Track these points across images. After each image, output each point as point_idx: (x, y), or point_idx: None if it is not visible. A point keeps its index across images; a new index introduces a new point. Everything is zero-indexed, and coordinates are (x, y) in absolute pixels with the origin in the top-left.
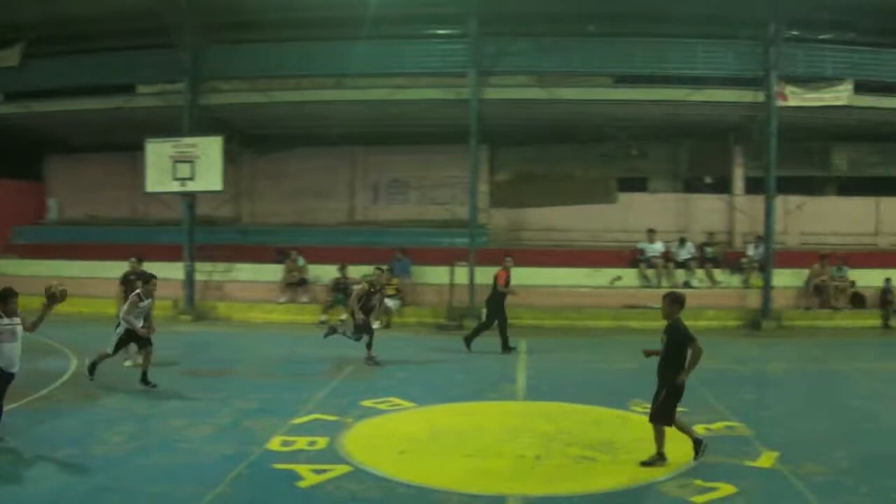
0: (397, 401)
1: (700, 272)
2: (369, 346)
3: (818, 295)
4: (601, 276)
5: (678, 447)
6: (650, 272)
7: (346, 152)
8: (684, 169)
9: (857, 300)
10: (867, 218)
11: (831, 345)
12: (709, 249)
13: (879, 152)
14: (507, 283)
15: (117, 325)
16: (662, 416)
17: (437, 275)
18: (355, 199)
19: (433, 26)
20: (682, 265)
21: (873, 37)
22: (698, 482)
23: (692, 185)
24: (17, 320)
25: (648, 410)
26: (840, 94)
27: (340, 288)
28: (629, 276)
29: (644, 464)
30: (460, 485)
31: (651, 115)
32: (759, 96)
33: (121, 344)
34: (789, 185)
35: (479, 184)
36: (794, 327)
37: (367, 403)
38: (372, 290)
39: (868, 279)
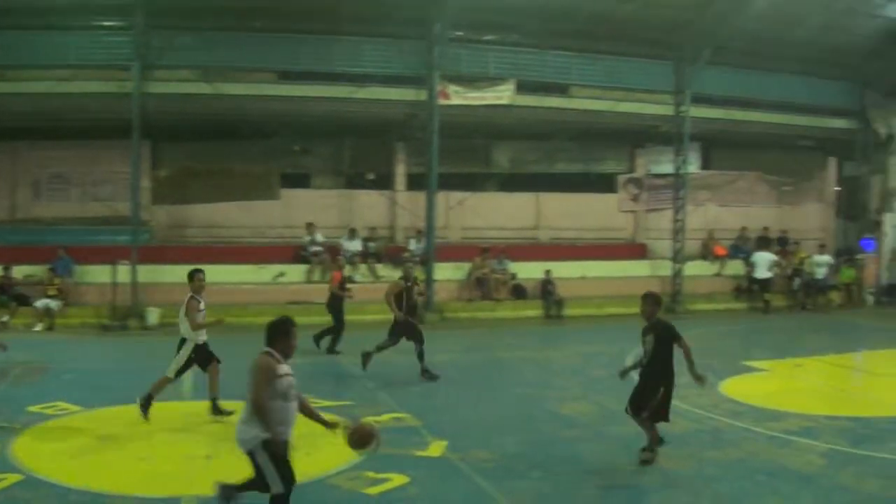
0: (65, 405)
1: (363, 267)
2: (422, 356)
3: (480, 287)
4: (265, 273)
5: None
6: (314, 267)
7: (7, 147)
8: (347, 165)
9: (519, 292)
10: (527, 213)
11: (494, 335)
12: (371, 245)
13: (539, 150)
14: (343, 284)
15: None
16: (655, 410)
17: (99, 274)
18: (16, 196)
19: (99, 17)
20: (348, 260)
21: (535, 38)
22: (370, 474)
23: (355, 182)
24: None
25: (632, 406)
26: (502, 94)
27: (5, 289)
28: (293, 271)
29: (644, 462)
30: (134, 488)
31: (315, 111)
32: (423, 94)
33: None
34: (451, 182)
35: (141, 180)
36: (457, 319)
37: (34, 409)
38: (408, 283)
39: (529, 271)
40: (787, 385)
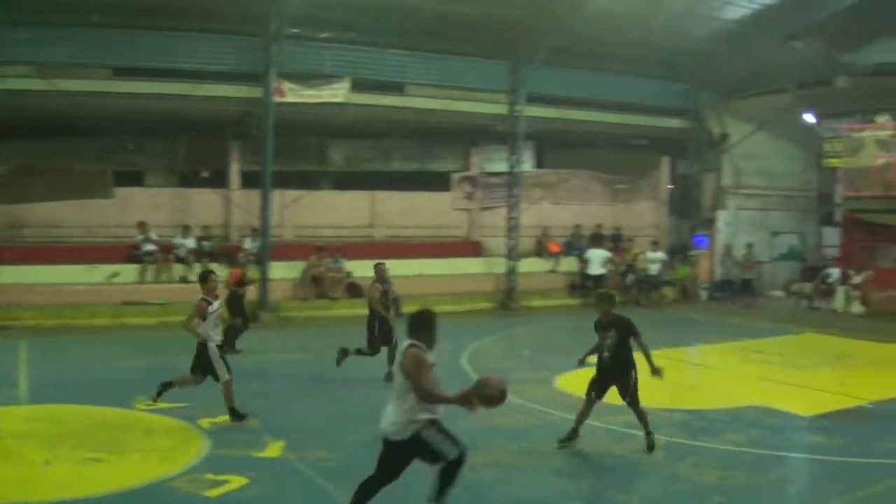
0: None
1: (197, 266)
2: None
3: (315, 286)
4: (99, 273)
5: (188, 443)
6: (148, 267)
7: None
8: (181, 163)
9: (354, 290)
10: (363, 211)
11: (330, 334)
12: (206, 244)
13: (374, 148)
14: (241, 281)
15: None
16: (636, 398)
17: None
18: None
19: None
20: (182, 260)
21: (372, 37)
22: (209, 476)
23: (189, 180)
24: None
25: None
26: (337, 92)
27: None
28: (127, 272)
29: (651, 447)
30: None
31: (150, 108)
32: (258, 92)
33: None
34: (286, 180)
35: None
36: (293, 318)
37: None
38: (384, 286)
39: (364, 270)
40: None
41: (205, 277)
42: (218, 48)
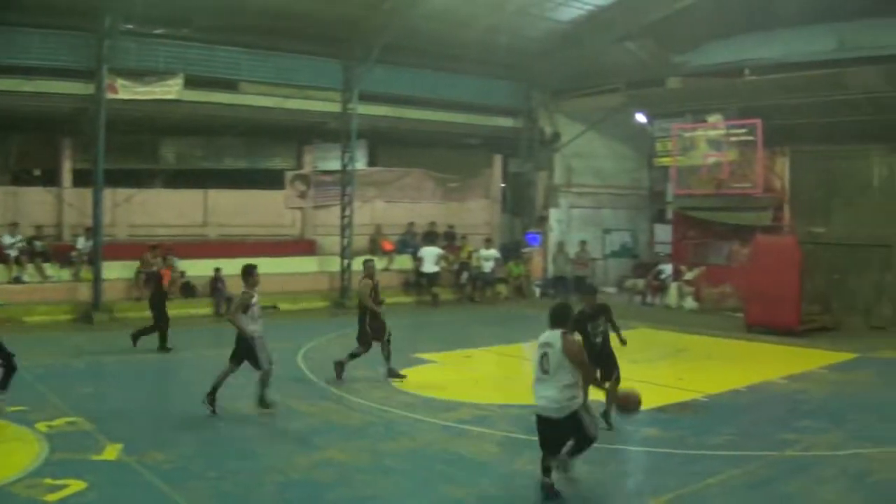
0: None
1: (30, 266)
2: (389, 357)
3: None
4: None
5: (25, 447)
6: None
7: None
8: (12, 161)
9: (188, 290)
10: (196, 210)
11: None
12: (38, 243)
13: (207, 146)
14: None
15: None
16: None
17: None
18: None
19: None
20: (16, 260)
21: (206, 34)
22: (48, 481)
23: (20, 178)
24: None
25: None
26: (170, 89)
27: None
28: None
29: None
30: None
31: None
32: (91, 88)
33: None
34: (119, 178)
35: None
36: (128, 319)
37: None
38: (374, 281)
39: (198, 269)
40: (459, 376)
41: (249, 271)
42: (50, 43)
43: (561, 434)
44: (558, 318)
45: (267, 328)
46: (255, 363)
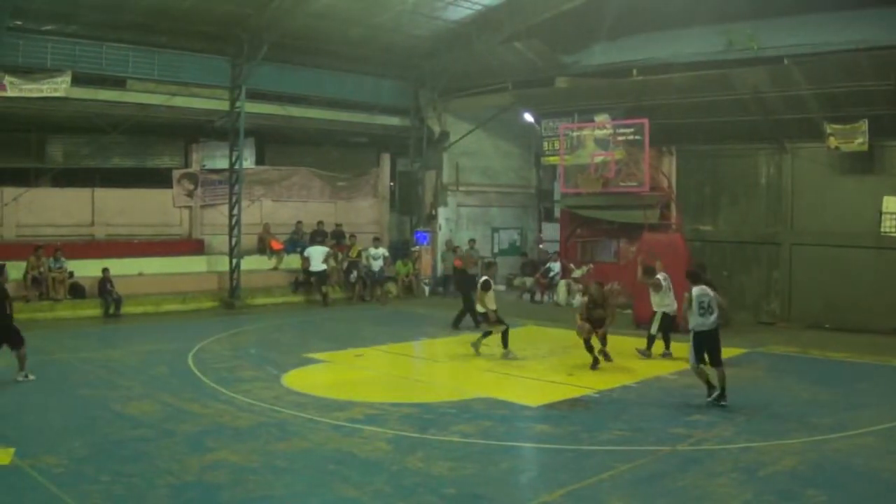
0: None
1: None
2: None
3: (37, 286)
4: None
5: None
6: None
7: None
8: None
9: (77, 290)
10: (83, 209)
11: (54, 336)
12: None
13: (94, 144)
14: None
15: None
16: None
17: None
18: None
19: None
20: None
21: (93, 30)
22: None
23: None
24: None
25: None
26: (59, 86)
27: None
28: None
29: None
30: None
31: None
32: None
33: None
34: (5, 177)
35: None
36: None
37: None
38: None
39: (87, 269)
40: (350, 375)
41: None
42: None
43: (714, 339)
44: (696, 276)
45: (156, 328)
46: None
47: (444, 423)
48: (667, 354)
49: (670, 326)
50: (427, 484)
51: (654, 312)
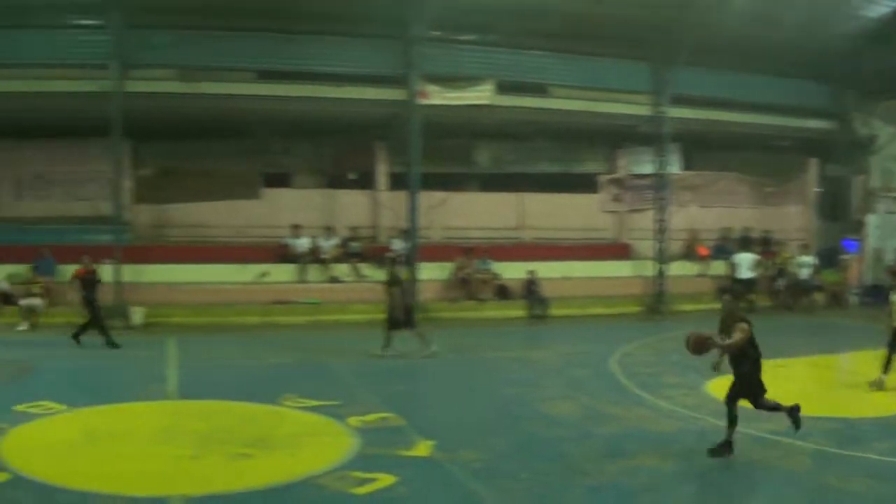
0: (50, 404)
1: (344, 267)
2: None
3: (464, 287)
4: (248, 272)
5: (336, 440)
6: (300, 267)
7: None
8: (328, 165)
9: (503, 292)
10: (509, 213)
11: (479, 335)
12: (354, 244)
13: (519, 149)
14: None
15: None
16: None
17: None
18: None
19: (77, 16)
20: (328, 261)
21: (512, 38)
22: (356, 474)
23: (336, 181)
24: None
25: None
26: (482, 94)
27: None
28: (277, 271)
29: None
30: (120, 487)
31: (294, 111)
32: (401, 94)
33: None
34: (433, 181)
35: (122, 179)
36: (442, 319)
37: (20, 408)
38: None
39: (512, 271)
40: (772, 386)
41: None
42: (359, 51)
43: None
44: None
45: (579, 331)
46: None
47: (864, 440)
48: None
49: None
50: (844, 501)
51: None
